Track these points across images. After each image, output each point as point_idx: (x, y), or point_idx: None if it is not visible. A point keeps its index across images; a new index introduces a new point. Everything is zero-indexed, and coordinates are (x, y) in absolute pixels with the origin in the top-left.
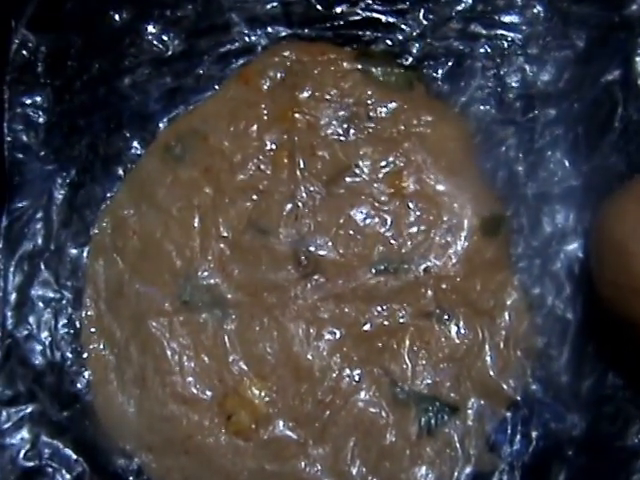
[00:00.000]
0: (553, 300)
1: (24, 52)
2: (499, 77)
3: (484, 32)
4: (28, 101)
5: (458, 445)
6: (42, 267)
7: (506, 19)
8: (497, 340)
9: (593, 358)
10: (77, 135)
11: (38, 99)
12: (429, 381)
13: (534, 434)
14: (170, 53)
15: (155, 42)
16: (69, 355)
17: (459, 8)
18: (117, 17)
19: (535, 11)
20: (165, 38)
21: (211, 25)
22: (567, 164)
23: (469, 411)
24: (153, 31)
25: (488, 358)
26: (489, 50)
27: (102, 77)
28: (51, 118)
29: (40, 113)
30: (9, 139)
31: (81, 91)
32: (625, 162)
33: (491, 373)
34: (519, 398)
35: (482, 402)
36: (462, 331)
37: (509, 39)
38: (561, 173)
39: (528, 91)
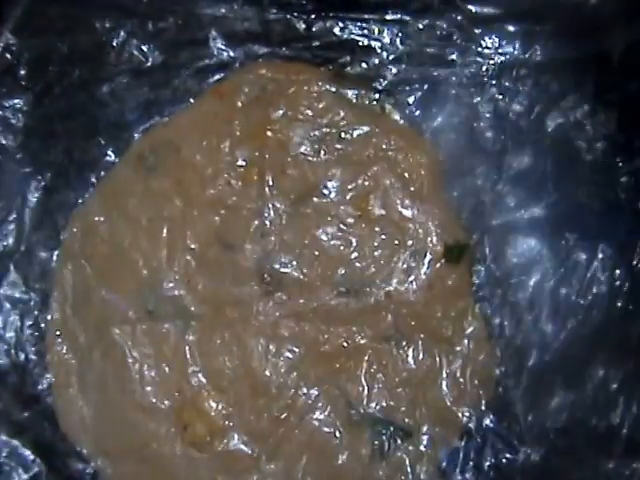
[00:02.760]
0: (512, 331)
1: (7, 55)
2: (471, 106)
3: (459, 60)
4: (8, 104)
5: (409, 470)
6: (11, 268)
7: (482, 49)
8: (454, 368)
9: (549, 391)
10: (54, 140)
11: (18, 102)
12: (384, 404)
13: (486, 464)
14: (149, 64)
15: (135, 52)
16: (33, 357)
17: (436, 35)
18: (99, 26)
19: (511, 43)
20: (145, 49)
21: (190, 39)
22: (534, 195)
23: (422, 437)
24: (134, 42)
25: (444, 385)
26: (463, 79)
27: (82, 84)
28: (29, 122)
29: (19, 116)
30: None
31: (60, 97)
32: (591, 195)
33: (446, 400)
34: (473, 427)
35: (436, 429)
36: (420, 357)
37: (484, 69)
38: (528, 204)
39: (499, 122)
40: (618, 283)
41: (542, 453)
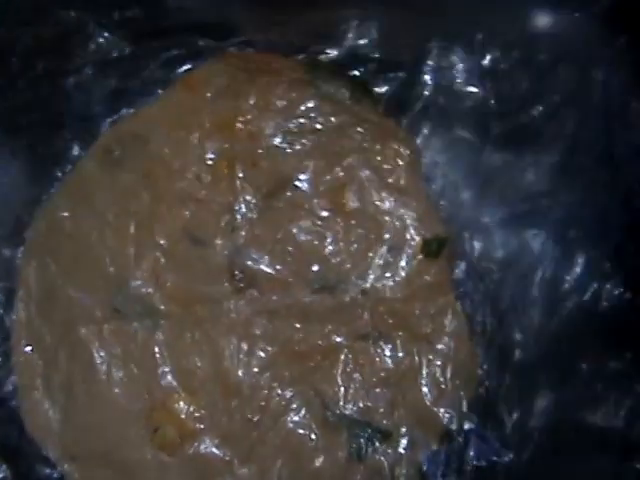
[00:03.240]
0: (494, 328)
1: None
2: (451, 93)
3: (437, 46)
4: None
5: (388, 473)
6: None
7: (462, 34)
8: (434, 367)
9: (533, 390)
10: (17, 134)
11: None
12: (361, 405)
13: (468, 467)
14: (116, 55)
15: (101, 43)
16: None
17: (413, 23)
18: (64, 16)
19: (492, 29)
20: (111, 39)
21: (158, 29)
22: (515, 188)
23: (401, 439)
24: (100, 32)
25: (424, 385)
26: (442, 67)
27: (47, 76)
28: None
29: None
30: None
31: (25, 89)
32: (575, 187)
33: (426, 401)
34: (454, 428)
35: (416, 430)
36: (398, 355)
37: (463, 57)
38: (509, 198)
39: (480, 112)
40: (603, 279)
41: (526, 454)
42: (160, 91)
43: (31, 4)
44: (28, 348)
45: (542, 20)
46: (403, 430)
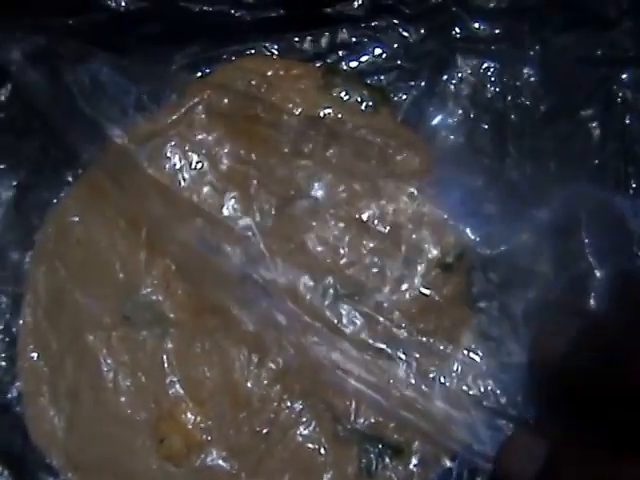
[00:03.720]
0: (511, 345)
1: None
2: (471, 105)
3: (459, 57)
4: None
5: None
6: None
7: (484, 45)
8: (448, 382)
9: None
10: (29, 136)
11: None
12: (373, 420)
13: None
14: (132, 59)
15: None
16: (2, 363)
17: (433, 32)
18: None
19: (515, 40)
20: (128, 44)
21: (174, 34)
22: (537, 200)
23: (413, 455)
24: (116, 37)
25: (437, 400)
26: (462, 76)
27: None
28: (4, 117)
29: None
30: None
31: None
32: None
33: (439, 418)
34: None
35: (428, 447)
36: (412, 371)
37: (484, 66)
38: (529, 209)
39: (501, 121)
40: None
41: None
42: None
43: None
44: (34, 354)
45: None
46: (415, 447)
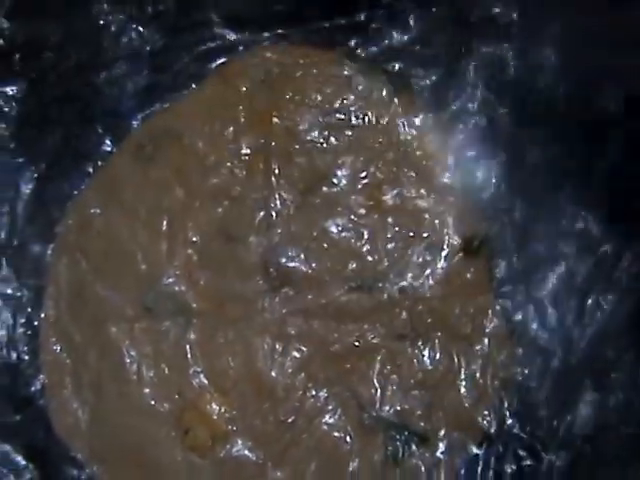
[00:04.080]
0: (536, 329)
1: (0, 41)
2: (491, 90)
3: (477, 41)
4: (1, 91)
5: (425, 477)
6: (3, 263)
7: (502, 29)
8: (473, 368)
9: (575, 394)
10: (49, 128)
11: (11, 89)
12: (398, 407)
13: (507, 471)
14: (148, 48)
15: (134, 36)
16: (25, 356)
17: (452, 15)
18: (96, 9)
19: (533, 22)
20: (144, 33)
21: (192, 22)
22: (558, 183)
23: (439, 442)
24: (132, 25)
25: (463, 387)
26: (482, 60)
27: (78, 70)
28: (23, 110)
29: (13, 104)
30: None
31: (56, 83)
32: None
33: (465, 403)
34: (493, 432)
35: (454, 434)
36: (436, 357)
37: (504, 49)
38: (551, 193)
39: (520, 105)
40: None
41: (567, 459)
42: (194, 85)
43: None
44: (57, 347)
45: None
46: (441, 433)
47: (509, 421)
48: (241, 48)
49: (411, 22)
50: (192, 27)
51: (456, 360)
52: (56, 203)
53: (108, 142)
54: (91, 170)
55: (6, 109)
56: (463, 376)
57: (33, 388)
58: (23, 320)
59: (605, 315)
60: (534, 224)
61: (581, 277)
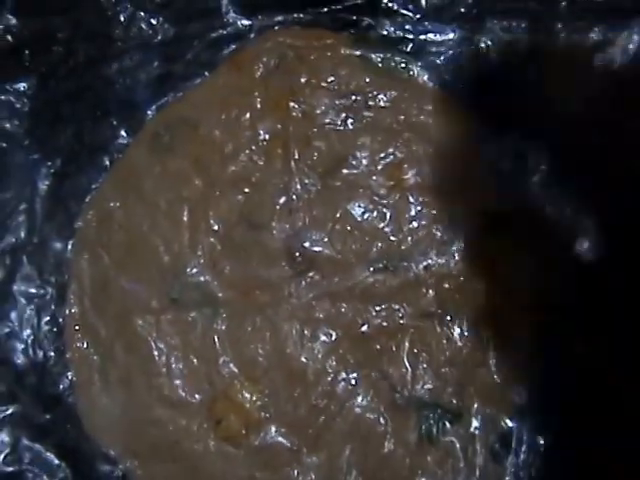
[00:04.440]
0: (562, 296)
1: (8, 37)
2: (506, 64)
3: (490, 19)
4: (12, 88)
5: (461, 454)
6: (25, 261)
7: (513, 4)
8: (503, 343)
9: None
10: (62, 123)
11: (22, 86)
12: (430, 386)
13: (541, 443)
14: (159, 38)
15: (144, 26)
16: (52, 354)
17: None
18: (103, 1)
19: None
20: (154, 22)
21: (202, 9)
22: (578, 156)
23: (472, 418)
24: (142, 15)
25: (493, 363)
26: (495, 38)
27: (89, 63)
28: (35, 106)
29: (24, 100)
30: None
31: (67, 78)
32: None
33: (496, 378)
34: (525, 405)
35: (486, 409)
36: (465, 333)
37: (517, 26)
38: (570, 167)
39: (536, 79)
40: None
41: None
42: (207, 74)
43: None
44: (83, 343)
45: None
46: (474, 409)
47: (540, 393)
48: (253, 34)
49: (422, 1)
50: (202, 14)
51: (484, 336)
52: (74, 198)
53: (123, 134)
54: (108, 163)
55: (18, 105)
56: (492, 351)
57: (61, 386)
58: (48, 318)
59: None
60: (554, 198)
61: (601, 246)
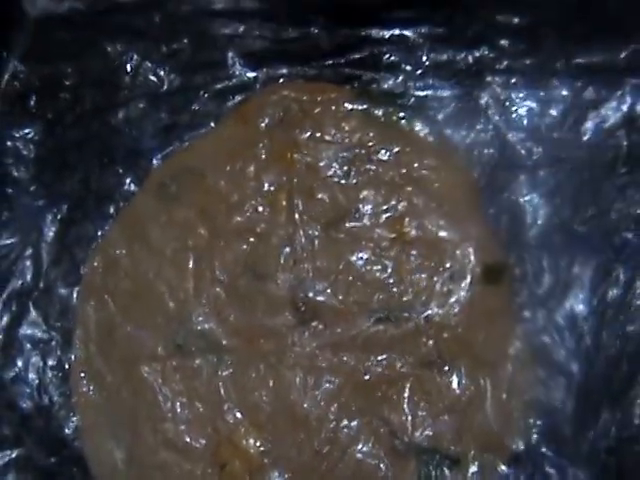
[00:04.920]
0: (556, 351)
1: (16, 83)
2: (503, 120)
3: (489, 74)
4: (18, 134)
5: None
6: (31, 307)
7: (511, 61)
8: (499, 391)
9: (596, 410)
10: (68, 170)
11: (29, 132)
12: (429, 432)
13: None
14: (165, 88)
15: (150, 76)
16: (57, 398)
17: (462, 48)
18: (111, 50)
19: (542, 54)
20: (160, 72)
21: (207, 60)
22: (572, 210)
23: (470, 464)
24: (148, 65)
25: (490, 410)
26: (493, 92)
27: (95, 111)
28: (42, 152)
29: (31, 147)
30: None
31: (73, 125)
32: (629, 207)
33: (493, 425)
34: (522, 451)
35: (484, 455)
36: (463, 382)
37: (513, 81)
38: (565, 219)
39: (532, 135)
40: None
41: (594, 474)
42: (212, 124)
43: (75, 39)
44: (89, 388)
45: None
46: (471, 455)
47: (536, 440)
48: (258, 86)
49: (422, 55)
50: (208, 66)
51: (482, 384)
52: (80, 245)
53: (129, 182)
54: (113, 211)
55: (24, 152)
56: (489, 399)
57: (67, 430)
58: (53, 363)
59: (620, 336)
60: (551, 250)
61: (597, 300)
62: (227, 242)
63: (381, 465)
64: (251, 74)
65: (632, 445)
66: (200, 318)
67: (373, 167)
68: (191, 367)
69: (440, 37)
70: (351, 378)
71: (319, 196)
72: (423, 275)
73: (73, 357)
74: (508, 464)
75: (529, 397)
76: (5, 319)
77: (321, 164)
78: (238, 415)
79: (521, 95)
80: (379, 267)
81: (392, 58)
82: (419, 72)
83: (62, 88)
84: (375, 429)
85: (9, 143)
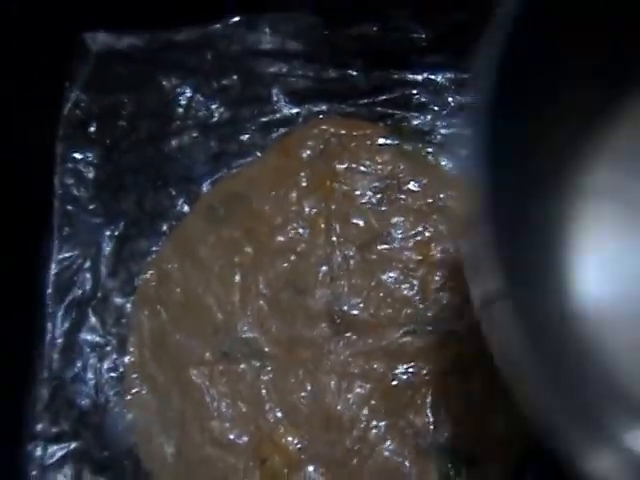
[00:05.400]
0: None
1: (77, 111)
2: None
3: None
4: (79, 157)
5: None
6: (90, 314)
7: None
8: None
9: None
10: (124, 192)
11: (89, 156)
12: (449, 434)
13: None
14: (215, 119)
15: (201, 109)
16: (112, 397)
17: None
18: (166, 83)
19: None
20: (211, 105)
21: (254, 96)
22: None
23: (487, 464)
24: (200, 98)
25: (505, 412)
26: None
27: (150, 139)
28: (100, 174)
29: (90, 169)
30: (60, 192)
31: (129, 151)
32: None
33: (509, 426)
34: (535, 449)
35: (500, 454)
36: (480, 388)
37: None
38: None
39: None
40: None
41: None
42: (258, 153)
43: (133, 72)
44: (142, 388)
45: None
46: (489, 455)
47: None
48: (299, 120)
49: (448, 97)
50: (254, 101)
51: (496, 390)
52: (135, 259)
53: (181, 203)
54: (166, 229)
55: (85, 173)
56: (504, 403)
57: (120, 427)
58: (109, 365)
59: None
60: None
61: None
62: (270, 260)
63: (405, 462)
64: (294, 110)
65: None
66: (245, 328)
67: (403, 196)
68: (236, 371)
69: (464, 81)
70: (380, 384)
71: (354, 221)
72: (446, 294)
73: (127, 360)
74: (524, 461)
75: None
76: (66, 324)
77: (356, 192)
78: (278, 415)
79: None
80: (407, 285)
81: (422, 99)
82: (445, 112)
83: (120, 117)
84: (401, 430)
85: (70, 165)
